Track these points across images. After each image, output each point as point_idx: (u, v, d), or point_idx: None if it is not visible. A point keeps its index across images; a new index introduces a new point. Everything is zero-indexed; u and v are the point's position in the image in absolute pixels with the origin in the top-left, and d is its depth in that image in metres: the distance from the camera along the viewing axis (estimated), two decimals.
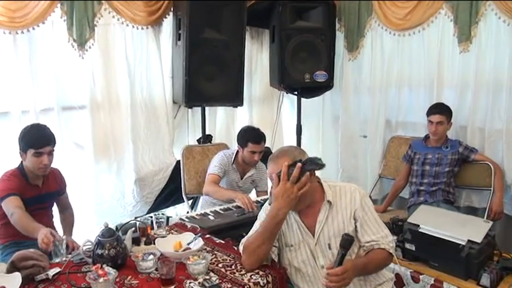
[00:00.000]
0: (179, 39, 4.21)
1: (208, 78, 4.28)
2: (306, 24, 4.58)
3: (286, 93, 5.06)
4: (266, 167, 4.07)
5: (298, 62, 4.56)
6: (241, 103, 4.53)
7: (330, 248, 2.15)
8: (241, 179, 3.84)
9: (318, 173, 2.18)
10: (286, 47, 4.47)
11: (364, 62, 4.83)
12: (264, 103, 5.39)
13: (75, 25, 3.84)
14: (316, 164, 2.03)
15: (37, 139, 2.85)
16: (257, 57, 5.18)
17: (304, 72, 4.57)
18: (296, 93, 4.86)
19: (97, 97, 4.14)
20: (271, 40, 4.69)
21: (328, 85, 4.72)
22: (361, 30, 4.73)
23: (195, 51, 4.13)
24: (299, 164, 2.01)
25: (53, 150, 2.91)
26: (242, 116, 5.12)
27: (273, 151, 4.74)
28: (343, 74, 4.97)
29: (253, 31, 5.01)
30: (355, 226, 2.15)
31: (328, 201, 2.16)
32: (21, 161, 2.92)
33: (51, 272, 2.10)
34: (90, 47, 3.95)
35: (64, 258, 2.31)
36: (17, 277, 2.01)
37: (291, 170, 2.01)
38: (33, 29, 3.68)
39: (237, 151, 3.81)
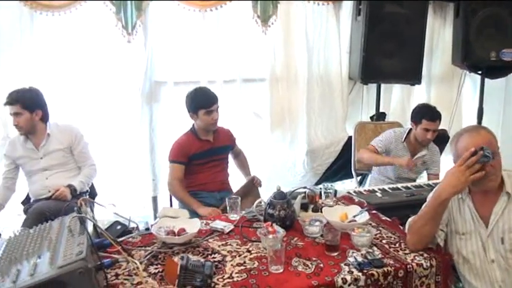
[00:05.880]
0: (359, 14, 4.20)
1: (386, 55, 4.20)
2: None
3: (469, 72, 4.70)
4: (440, 150, 3.93)
5: (484, 38, 4.20)
6: (419, 81, 4.36)
7: (502, 242, 1.98)
8: (412, 158, 3.71)
9: None
10: (471, 21, 4.15)
11: None
12: (443, 82, 5.07)
13: (259, 2, 4.11)
14: (487, 157, 1.90)
15: (205, 100, 3.17)
16: (439, 33, 4.87)
17: (490, 50, 4.20)
18: (480, 72, 4.50)
19: (276, 71, 4.39)
20: (456, 14, 4.38)
21: None
22: None
23: (375, 27, 4.08)
24: (481, 152, 1.89)
25: (218, 106, 3.21)
26: (419, 95, 4.90)
27: (450, 134, 4.53)
28: None
29: (436, 5, 4.72)
30: None
31: (507, 193, 2.00)
32: (193, 124, 3.28)
33: (227, 229, 2.36)
34: (272, 23, 4.18)
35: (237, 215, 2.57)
36: (196, 222, 2.31)
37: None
38: (221, 7, 4.02)
39: (410, 129, 3.68)
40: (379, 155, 3.60)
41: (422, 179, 3.84)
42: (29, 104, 3.00)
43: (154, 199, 4.21)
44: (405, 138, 3.65)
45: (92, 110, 4.00)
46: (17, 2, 3.57)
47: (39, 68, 3.76)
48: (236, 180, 3.51)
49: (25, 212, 3.10)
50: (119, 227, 2.28)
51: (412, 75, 4.31)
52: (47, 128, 3.14)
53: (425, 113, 3.54)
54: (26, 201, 3.24)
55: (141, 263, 1.94)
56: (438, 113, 3.56)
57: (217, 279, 1.84)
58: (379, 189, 3.18)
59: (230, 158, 3.52)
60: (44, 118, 3.13)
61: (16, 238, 1.83)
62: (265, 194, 3.96)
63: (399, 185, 3.29)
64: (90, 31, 3.84)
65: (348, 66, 4.57)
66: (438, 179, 3.62)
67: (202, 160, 3.24)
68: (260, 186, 3.34)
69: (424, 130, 3.52)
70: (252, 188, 3.29)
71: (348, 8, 4.45)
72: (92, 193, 3.37)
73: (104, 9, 3.72)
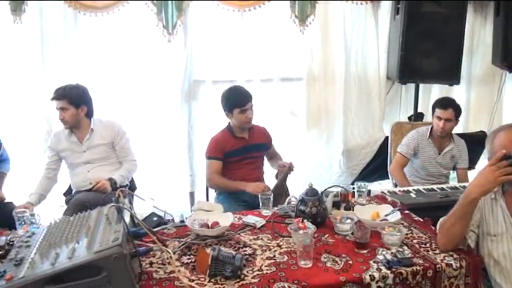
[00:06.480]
0: (397, 14, 4.18)
1: (424, 54, 4.16)
2: None
3: (509, 72, 4.60)
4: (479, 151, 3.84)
5: None
6: (457, 81, 4.30)
7: None
8: (439, 154, 3.67)
9: None
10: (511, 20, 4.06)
11: None
12: (483, 83, 4.96)
13: (297, 2, 4.14)
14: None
15: (239, 99, 3.24)
16: (479, 33, 4.76)
17: None
18: None
19: (314, 70, 4.41)
20: (496, 13, 4.31)
21: None
22: None
23: (413, 26, 4.06)
24: None
25: (252, 105, 3.27)
26: (459, 96, 4.79)
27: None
28: None
29: (476, 4, 4.63)
30: None
31: None
32: (229, 121, 3.35)
33: (259, 224, 2.42)
34: (310, 23, 4.20)
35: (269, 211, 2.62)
36: (230, 216, 2.38)
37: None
38: (259, 6, 4.08)
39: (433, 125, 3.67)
40: (404, 177, 3.61)
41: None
42: (75, 100, 3.12)
43: (192, 194, 4.31)
44: (429, 134, 3.63)
45: (134, 107, 4.14)
46: (62, 2, 3.72)
47: (82, 66, 3.92)
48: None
49: (67, 202, 3.24)
50: (155, 218, 2.38)
51: (450, 75, 4.25)
52: (91, 123, 3.26)
53: (438, 102, 3.60)
54: (68, 193, 3.39)
55: (174, 253, 2.02)
56: (452, 103, 3.57)
57: (247, 272, 1.89)
58: (413, 189, 3.17)
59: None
60: (89, 114, 3.25)
61: (56, 225, 1.93)
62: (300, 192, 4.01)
63: (434, 186, 3.26)
64: (132, 31, 3.98)
65: (386, 66, 4.54)
66: (467, 173, 3.61)
67: (238, 157, 3.31)
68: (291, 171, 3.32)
69: (437, 119, 3.55)
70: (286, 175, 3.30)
71: (386, 7, 4.42)
72: (132, 187, 3.47)
73: (145, 10, 3.84)
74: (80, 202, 2.94)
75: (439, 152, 3.66)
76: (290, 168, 3.22)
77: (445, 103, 3.56)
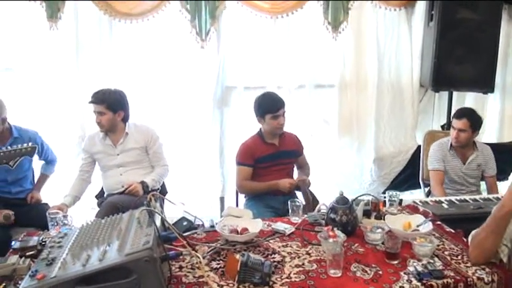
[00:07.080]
0: (431, 20, 4.11)
1: (458, 61, 4.08)
2: None
3: None
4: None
5: None
6: (492, 89, 4.20)
7: None
8: (464, 164, 3.58)
9: None
10: None
11: None
12: None
13: (330, 9, 4.12)
14: None
15: (272, 105, 3.25)
16: None
17: None
18: None
19: (346, 77, 4.38)
20: None
21: None
22: None
23: (447, 33, 3.99)
24: None
25: (285, 111, 3.27)
26: (493, 105, 4.70)
27: None
28: None
29: (511, 10, 4.52)
30: None
31: None
32: (260, 127, 3.36)
33: (288, 231, 2.42)
34: (343, 29, 4.19)
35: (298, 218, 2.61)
36: (259, 222, 2.40)
37: None
38: (292, 13, 4.09)
39: None
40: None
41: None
42: (113, 105, 3.17)
43: (222, 200, 4.34)
44: (450, 145, 3.56)
45: (167, 112, 4.19)
46: (97, 9, 3.79)
47: (116, 72, 4.00)
48: None
49: (99, 205, 3.30)
50: (185, 223, 2.41)
51: (484, 83, 4.15)
52: (126, 127, 3.30)
53: (455, 111, 3.55)
54: (100, 195, 3.44)
55: (204, 257, 2.04)
56: (467, 113, 3.50)
57: (276, 279, 1.90)
58: (445, 200, 3.09)
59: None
60: (125, 118, 3.29)
61: (88, 226, 1.97)
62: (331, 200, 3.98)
63: (467, 197, 3.19)
64: (166, 37, 4.04)
65: (419, 73, 4.48)
66: (495, 181, 3.54)
67: (267, 163, 3.31)
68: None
69: (452, 128, 3.50)
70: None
71: (420, 13, 4.36)
72: (163, 191, 3.49)
73: (179, 17, 3.90)
74: (112, 204, 2.97)
75: (463, 162, 3.58)
76: (305, 182, 3.27)
77: (460, 113, 3.51)
